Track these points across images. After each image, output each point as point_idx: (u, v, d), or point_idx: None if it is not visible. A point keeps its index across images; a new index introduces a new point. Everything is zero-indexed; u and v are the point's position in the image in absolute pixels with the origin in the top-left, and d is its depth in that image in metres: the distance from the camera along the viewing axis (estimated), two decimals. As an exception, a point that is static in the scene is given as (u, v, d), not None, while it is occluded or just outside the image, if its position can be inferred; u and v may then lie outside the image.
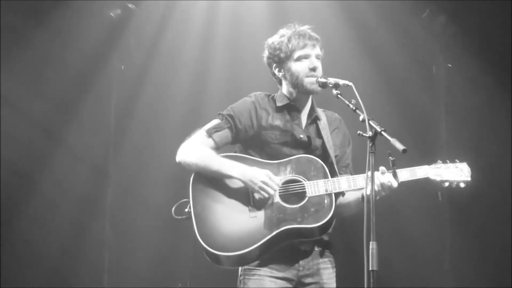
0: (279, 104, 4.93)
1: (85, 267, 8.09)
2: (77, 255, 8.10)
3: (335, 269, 4.84)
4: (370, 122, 4.25)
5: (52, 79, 7.95)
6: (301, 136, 4.86)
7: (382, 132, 4.19)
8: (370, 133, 4.20)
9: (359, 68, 8.02)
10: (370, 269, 3.94)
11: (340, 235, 4.96)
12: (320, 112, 5.01)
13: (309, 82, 4.83)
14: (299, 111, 4.94)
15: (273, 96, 5.00)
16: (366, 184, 4.21)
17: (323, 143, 4.87)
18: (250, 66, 8.11)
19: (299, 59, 4.87)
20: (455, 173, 4.72)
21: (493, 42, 8.04)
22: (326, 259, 4.80)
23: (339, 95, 4.62)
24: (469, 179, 4.73)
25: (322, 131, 4.90)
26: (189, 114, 8.23)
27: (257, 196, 4.64)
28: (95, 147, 8.29)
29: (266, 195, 4.60)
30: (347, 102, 4.51)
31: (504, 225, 7.91)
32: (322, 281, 4.75)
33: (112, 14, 8.25)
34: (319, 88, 4.81)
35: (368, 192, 4.23)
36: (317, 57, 4.89)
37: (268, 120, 4.87)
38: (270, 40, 5.00)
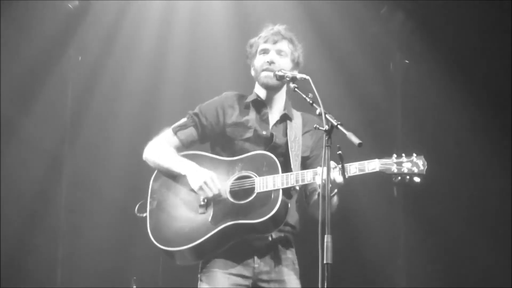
0: (247, 100, 4.94)
1: (38, 261, 8.00)
2: (31, 249, 8.01)
3: (296, 266, 4.83)
4: (327, 116, 4.23)
5: (7, 69, 7.82)
6: (264, 132, 4.85)
7: (339, 126, 4.18)
8: (326, 127, 4.19)
9: (317, 62, 8.01)
10: (325, 262, 3.92)
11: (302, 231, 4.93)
12: (295, 112, 4.99)
13: (264, 75, 4.85)
14: (267, 108, 4.93)
15: (245, 95, 5.00)
16: (322, 180, 4.16)
17: (287, 142, 4.85)
18: (207, 57, 8.16)
19: (259, 53, 4.91)
20: (408, 167, 4.50)
21: (450, 40, 8.12)
22: (285, 256, 4.78)
23: (296, 89, 4.62)
24: (423, 172, 4.49)
25: (290, 130, 4.88)
26: (145, 107, 8.21)
27: (202, 194, 4.67)
28: (51, 138, 8.21)
29: (205, 195, 4.64)
30: (304, 96, 4.50)
31: (457, 220, 7.99)
32: (282, 278, 4.73)
33: (70, 5, 8.19)
34: (276, 82, 4.81)
35: (319, 185, 4.27)
36: (278, 52, 4.88)
37: (234, 117, 4.87)
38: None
